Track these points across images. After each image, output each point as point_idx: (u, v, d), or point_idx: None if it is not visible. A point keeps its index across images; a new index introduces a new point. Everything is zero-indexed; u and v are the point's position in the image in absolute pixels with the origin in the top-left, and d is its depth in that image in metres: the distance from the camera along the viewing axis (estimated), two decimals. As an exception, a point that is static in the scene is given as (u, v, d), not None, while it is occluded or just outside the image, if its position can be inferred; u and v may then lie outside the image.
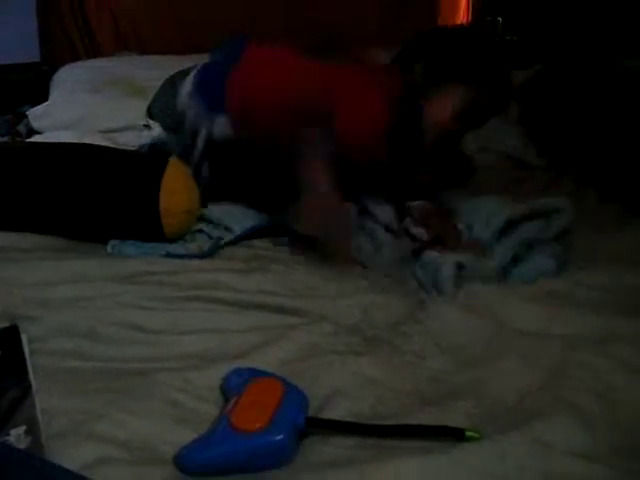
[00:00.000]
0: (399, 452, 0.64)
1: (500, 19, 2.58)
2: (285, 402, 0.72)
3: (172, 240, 1.29)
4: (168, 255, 1.23)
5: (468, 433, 0.65)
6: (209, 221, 1.37)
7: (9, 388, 0.78)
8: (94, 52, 2.95)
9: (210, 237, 1.33)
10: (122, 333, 0.92)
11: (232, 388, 0.78)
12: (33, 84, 2.75)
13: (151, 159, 1.41)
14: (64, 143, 1.40)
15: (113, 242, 1.26)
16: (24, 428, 0.71)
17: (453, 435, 0.66)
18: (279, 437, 0.67)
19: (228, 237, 1.33)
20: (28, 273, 1.06)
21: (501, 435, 0.65)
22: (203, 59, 2.38)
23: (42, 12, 2.85)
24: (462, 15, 3.09)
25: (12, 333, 0.87)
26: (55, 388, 0.78)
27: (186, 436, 0.70)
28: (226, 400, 0.77)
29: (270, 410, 0.70)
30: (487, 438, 0.64)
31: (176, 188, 1.29)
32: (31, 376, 0.79)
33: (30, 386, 0.78)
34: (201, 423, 0.74)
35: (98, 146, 1.41)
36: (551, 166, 1.84)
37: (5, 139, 2.23)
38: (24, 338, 0.86)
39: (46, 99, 2.45)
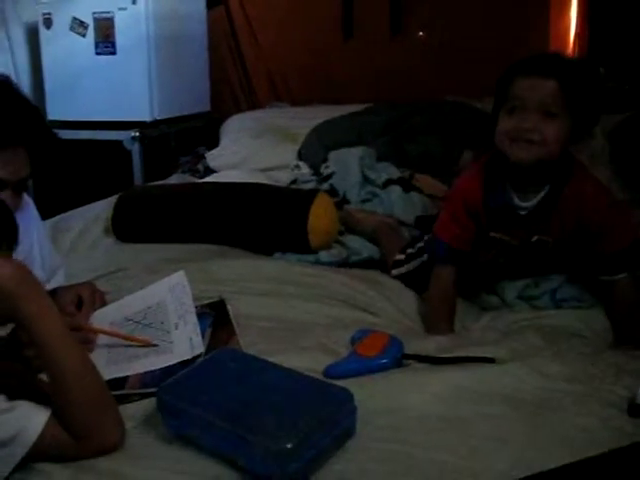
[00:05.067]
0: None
1: (602, 69, 2.87)
2: (390, 343, 1.17)
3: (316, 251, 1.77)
4: (317, 262, 1.73)
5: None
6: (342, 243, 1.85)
7: (220, 331, 1.30)
8: (253, 103, 3.58)
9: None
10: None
11: (357, 338, 1.24)
12: (205, 129, 3.40)
13: (305, 193, 1.92)
14: (245, 183, 1.96)
15: (277, 254, 1.78)
16: (235, 350, 1.21)
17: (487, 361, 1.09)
18: (384, 361, 1.13)
19: (359, 256, 1.79)
20: (224, 267, 1.59)
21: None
22: (342, 110, 2.90)
23: (212, 71, 3.51)
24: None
25: (221, 303, 1.40)
26: (248, 334, 1.28)
27: (329, 362, 1.17)
28: (352, 345, 1.23)
29: (380, 347, 1.16)
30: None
31: (320, 213, 1.79)
32: (235, 326, 1.30)
33: (234, 331, 1.29)
34: (338, 357, 1.20)
35: (267, 185, 1.96)
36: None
37: (187, 175, 2.86)
38: (229, 306, 1.38)
39: (215, 141, 3.07)
